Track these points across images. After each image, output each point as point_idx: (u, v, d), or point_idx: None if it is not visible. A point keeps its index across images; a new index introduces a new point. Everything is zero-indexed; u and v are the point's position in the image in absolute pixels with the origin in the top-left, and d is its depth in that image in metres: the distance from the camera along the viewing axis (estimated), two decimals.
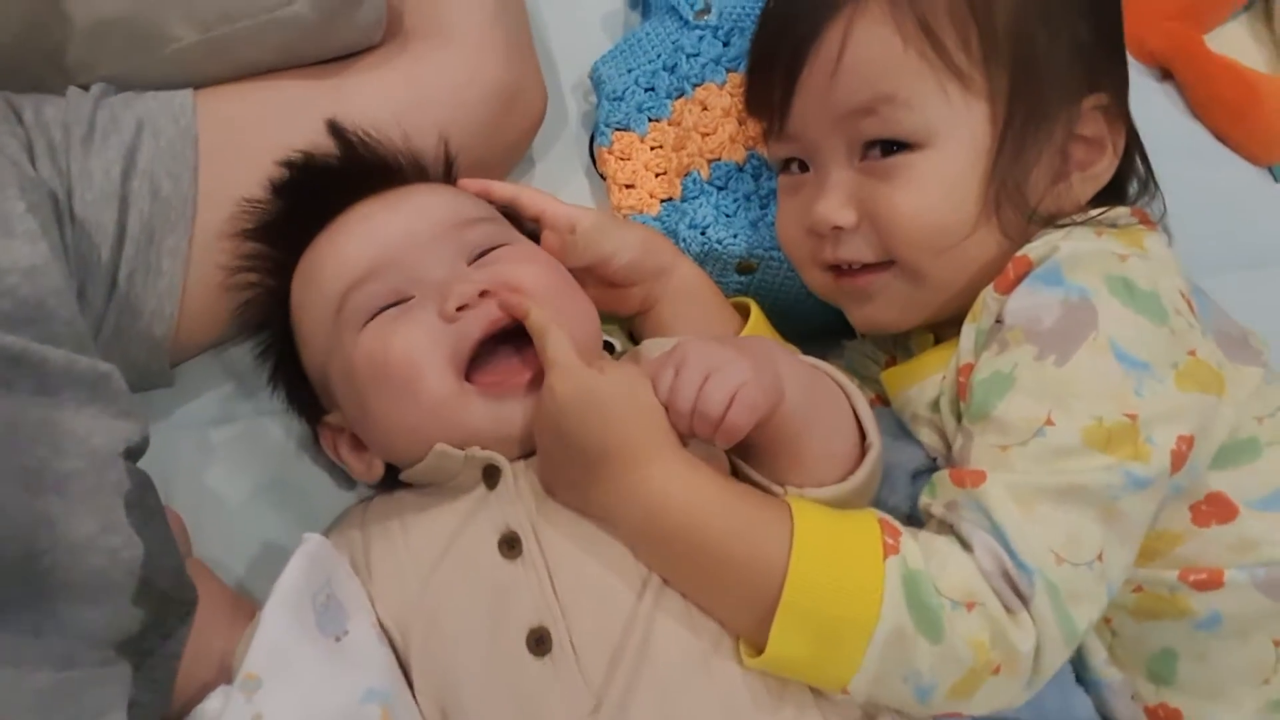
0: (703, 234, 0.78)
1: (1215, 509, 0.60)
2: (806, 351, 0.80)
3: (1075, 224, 0.64)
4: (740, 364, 0.54)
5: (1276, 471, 0.61)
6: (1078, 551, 0.54)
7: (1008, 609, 0.53)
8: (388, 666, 0.57)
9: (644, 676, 0.54)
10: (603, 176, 0.85)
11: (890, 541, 0.55)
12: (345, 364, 0.63)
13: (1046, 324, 0.58)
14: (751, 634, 0.55)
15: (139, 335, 0.68)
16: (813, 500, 0.57)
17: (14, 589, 0.50)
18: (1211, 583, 0.60)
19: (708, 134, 0.80)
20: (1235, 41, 1.08)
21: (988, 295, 0.63)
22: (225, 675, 0.60)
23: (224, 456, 0.73)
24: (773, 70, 0.67)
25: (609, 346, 0.75)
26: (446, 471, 0.61)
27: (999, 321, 0.61)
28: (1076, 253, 0.60)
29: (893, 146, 0.63)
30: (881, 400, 0.75)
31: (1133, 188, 0.70)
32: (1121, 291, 0.58)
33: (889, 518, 0.57)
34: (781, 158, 0.71)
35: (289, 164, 0.69)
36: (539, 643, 0.55)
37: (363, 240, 0.64)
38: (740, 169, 0.80)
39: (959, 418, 0.63)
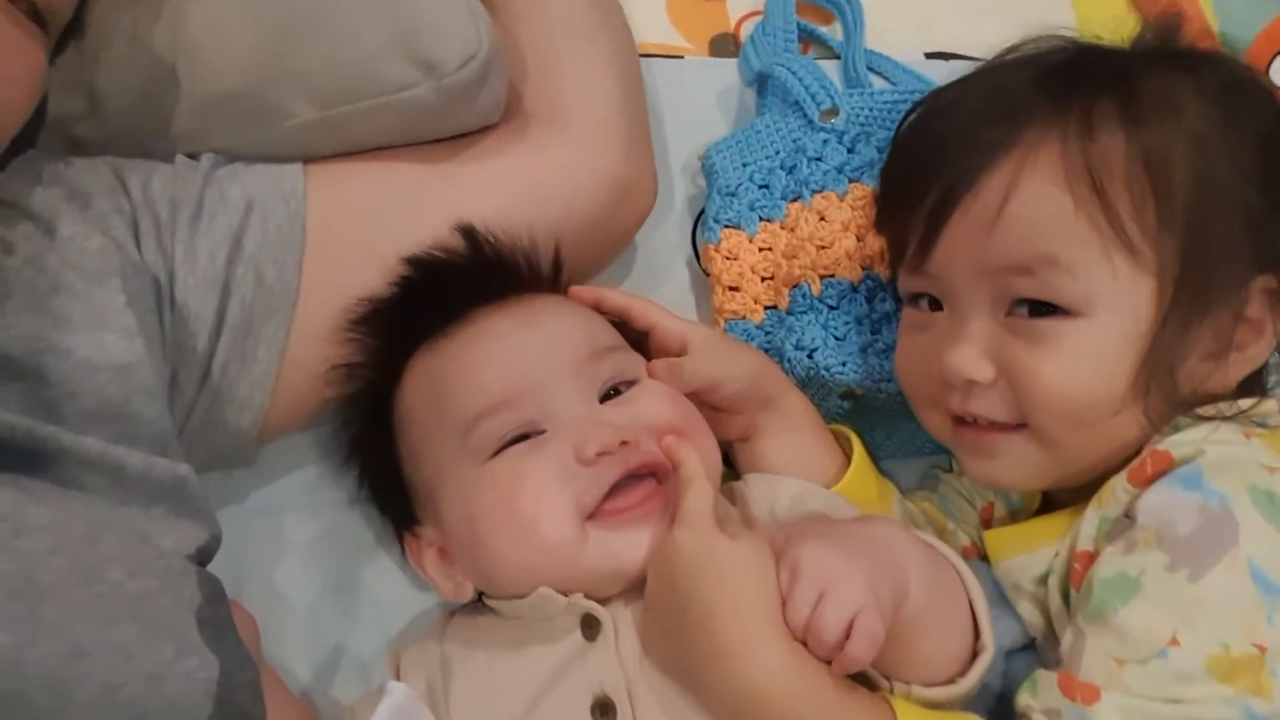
0: (809, 357, 0.75)
1: None
2: (901, 472, 0.78)
3: (1223, 418, 0.61)
4: (856, 582, 0.51)
5: None
6: None
7: None
8: None
9: None
10: (706, 273, 0.81)
11: None
12: (464, 490, 0.61)
13: (1183, 532, 0.55)
14: None
15: (227, 425, 0.66)
16: (919, 700, 0.55)
17: None
18: None
19: (824, 247, 0.77)
20: None
21: (1119, 484, 0.60)
22: None
23: (299, 549, 0.71)
24: (918, 201, 0.63)
25: None
26: (544, 612, 0.59)
27: (1128, 516, 0.58)
28: (1223, 459, 0.57)
29: (1044, 308, 0.60)
30: (977, 552, 0.72)
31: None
32: (1265, 505, 0.55)
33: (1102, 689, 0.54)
34: (914, 289, 0.67)
35: (414, 261, 0.67)
36: None
37: (500, 364, 0.62)
38: (854, 289, 0.76)
39: (1065, 598, 0.61)
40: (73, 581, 0.49)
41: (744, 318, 0.79)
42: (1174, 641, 0.53)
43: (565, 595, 0.59)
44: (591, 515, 0.59)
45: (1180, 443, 0.59)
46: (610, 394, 0.63)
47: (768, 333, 0.78)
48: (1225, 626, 0.53)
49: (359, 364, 0.67)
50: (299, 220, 0.66)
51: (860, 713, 0.54)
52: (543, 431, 0.61)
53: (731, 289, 0.80)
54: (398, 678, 0.63)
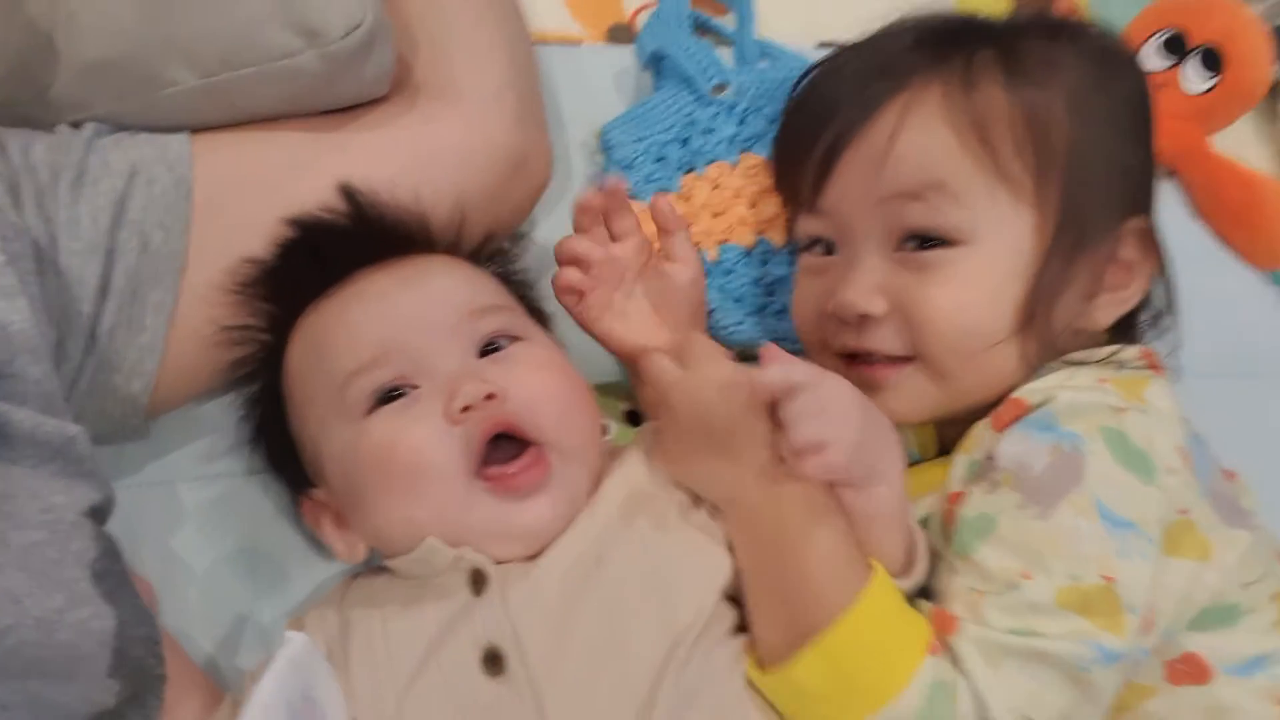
0: (708, 316, 0.76)
1: (1190, 669, 0.59)
2: None
3: (1085, 364, 0.63)
4: (848, 427, 0.54)
5: (1254, 640, 0.60)
6: (1042, 710, 0.54)
7: None
8: None
9: None
10: None
11: (935, 643, 0.55)
12: (344, 448, 0.61)
13: (1035, 472, 0.57)
14: (775, 650, 0.56)
15: (115, 391, 0.65)
16: None
17: None
18: None
19: (718, 214, 0.79)
20: (1240, 140, 1.08)
21: (982, 429, 0.62)
22: None
23: (196, 518, 0.70)
24: (814, 143, 0.66)
25: (637, 417, 0.74)
26: (432, 566, 0.59)
27: (990, 458, 0.60)
28: (1074, 403, 0.59)
29: (932, 241, 0.62)
30: None
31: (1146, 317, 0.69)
32: (1116, 445, 0.57)
33: (960, 621, 0.56)
34: (809, 235, 0.69)
35: (298, 222, 0.66)
36: None
37: (376, 322, 0.62)
38: (748, 253, 0.78)
39: (946, 539, 0.62)
40: None
41: None
42: (1026, 576, 0.55)
43: (455, 547, 0.58)
44: (480, 475, 0.58)
45: (1034, 390, 0.61)
46: (492, 349, 0.63)
47: None
48: (1073, 561, 0.55)
49: (248, 327, 0.66)
50: (185, 186, 0.66)
51: (851, 551, 0.56)
52: (417, 387, 0.60)
53: None
54: None
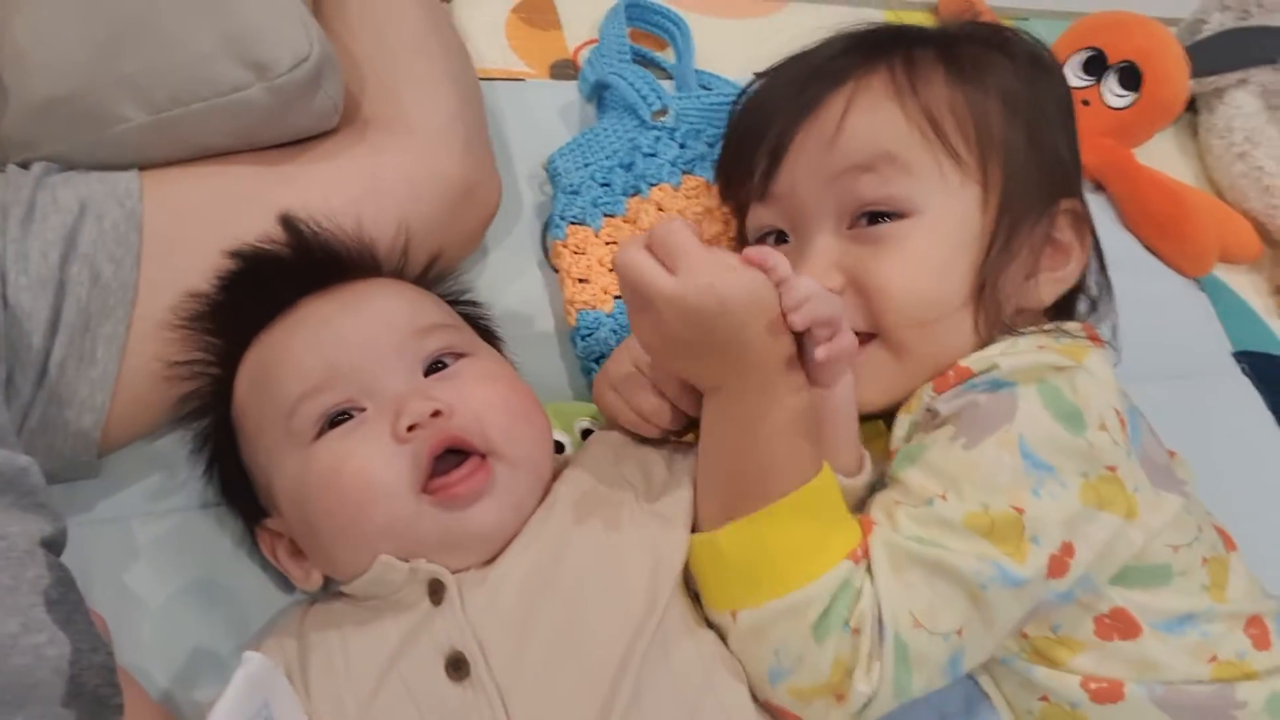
0: None
1: (1119, 625, 0.62)
2: None
3: (1028, 333, 0.65)
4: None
5: (1183, 600, 0.62)
6: (936, 621, 0.56)
7: (869, 654, 0.56)
8: None
9: None
10: (555, 269, 0.84)
11: (859, 551, 0.58)
12: (294, 474, 0.61)
13: (971, 412, 0.60)
14: (711, 519, 0.59)
15: (67, 426, 0.65)
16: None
17: None
18: (1111, 694, 0.61)
19: None
20: (1164, 153, 1.13)
21: (925, 391, 0.64)
22: None
23: (150, 554, 0.69)
24: (761, 139, 0.68)
25: (559, 446, 0.74)
26: (390, 585, 0.59)
27: (931, 412, 0.63)
28: (1016, 366, 0.61)
29: (882, 217, 0.65)
30: None
31: (1084, 303, 0.72)
32: (1049, 395, 0.59)
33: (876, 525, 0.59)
34: (760, 227, 0.71)
35: (239, 254, 0.67)
36: None
37: (319, 347, 0.62)
38: None
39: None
40: None
41: (594, 308, 0.82)
42: (942, 496, 0.58)
43: (407, 562, 0.58)
44: (424, 489, 0.59)
45: (978, 358, 0.63)
46: (438, 367, 0.63)
47: (619, 321, 0.81)
48: (987, 490, 0.57)
49: (198, 360, 0.67)
50: (134, 219, 0.66)
51: (807, 447, 0.58)
52: (364, 409, 0.60)
53: (581, 280, 0.82)
54: None
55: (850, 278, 0.65)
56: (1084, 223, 0.69)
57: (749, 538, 0.57)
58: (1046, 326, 0.66)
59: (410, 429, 0.58)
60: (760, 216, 0.71)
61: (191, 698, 0.65)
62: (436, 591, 0.58)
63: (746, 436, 0.58)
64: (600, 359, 0.80)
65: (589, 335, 0.80)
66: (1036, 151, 0.67)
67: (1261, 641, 0.62)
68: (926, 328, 0.64)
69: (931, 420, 0.62)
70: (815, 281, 0.58)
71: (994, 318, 0.65)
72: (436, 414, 0.58)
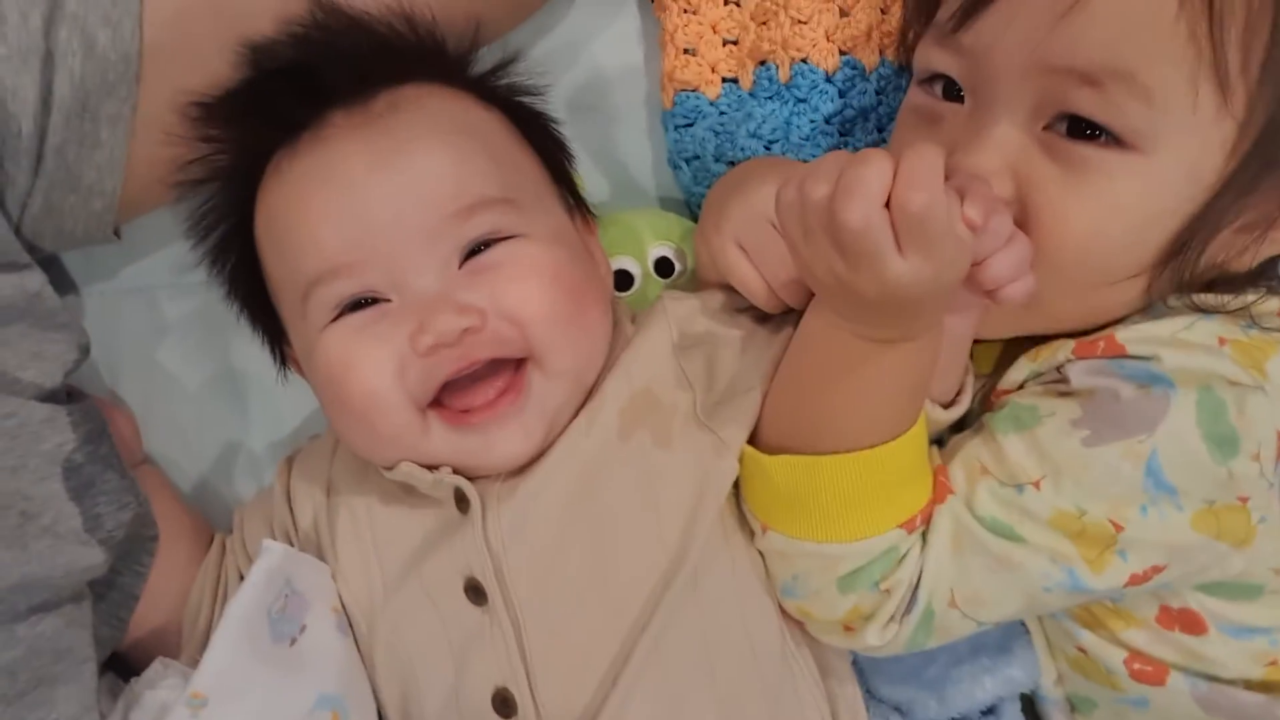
0: (766, 148, 0.64)
1: (1184, 620, 0.57)
2: None
3: (1210, 314, 0.53)
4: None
5: (1264, 614, 0.57)
6: (978, 610, 0.53)
7: (892, 615, 0.53)
8: (344, 663, 0.56)
9: None
10: (659, 21, 0.68)
11: (918, 519, 0.53)
12: (305, 353, 0.55)
13: (1112, 400, 0.51)
14: (771, 441, 0.54)
15: (74, 210, 0.57)
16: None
17: None
18: (1155, 677, 0.59)
19: (801, 22, 0.63)
20: None
21: (1062, 350, 0.54)
22: (176, 621, 0.59)
23: (179, 332, 0.65)
24: None
25: (627, 278, 0.66)
26: (419, 482, 0.55)
27: (1061, 375, 0.54)
28: (1182, 367, 0.51)
29: (1093, 132, 0.49)
30: None
31: None
32: (1206, 408, 0.50)
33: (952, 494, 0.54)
34: (931, 70, 0.54)
35: (257, 48, 0.55)
36: (504, 703, 0.52)
37: (341, 221, 0.52)
38: (829, 79, 0.64)
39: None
40: None
41: (697, 89, 0.67)
42: (1035, 485, 0.52)
43: (432, 469, 0.54)
44: (434, 405, 0.53)
45: (1140, 338, 0.52)
46: (479, 249, 0.53)
47: (722, 112, 0.67)
48: (1090, 495, 0.51)
49: (216, 155, 0.57)
50: None
51: (910, 405, 0.53)
52: (389, 300, 0.53)
53: (687, 52, 0.67)
54: (288, 493, 0.60)
55: (1022, 194, 0.50)
56: None
57: (805, 476, 0.52)
58: (1235, 303, 0.53)
59: (434, 346, 0.51)
60: (936, 58, 0.53)
61: (220, 493, 0.65)
62: (463, 500, 0.54)
63: (852, 374, 0.51)
64: (694, 160, 0.67)
65: (686, 126, 0.67)
66: None
67: None
68: (1082, 290, 0.52)
69: (1058, 383, 0.53)
70: (1025, 242, 0.47)
71: (1179, 281, 0.52)
72: (468, 331, 0.51)
